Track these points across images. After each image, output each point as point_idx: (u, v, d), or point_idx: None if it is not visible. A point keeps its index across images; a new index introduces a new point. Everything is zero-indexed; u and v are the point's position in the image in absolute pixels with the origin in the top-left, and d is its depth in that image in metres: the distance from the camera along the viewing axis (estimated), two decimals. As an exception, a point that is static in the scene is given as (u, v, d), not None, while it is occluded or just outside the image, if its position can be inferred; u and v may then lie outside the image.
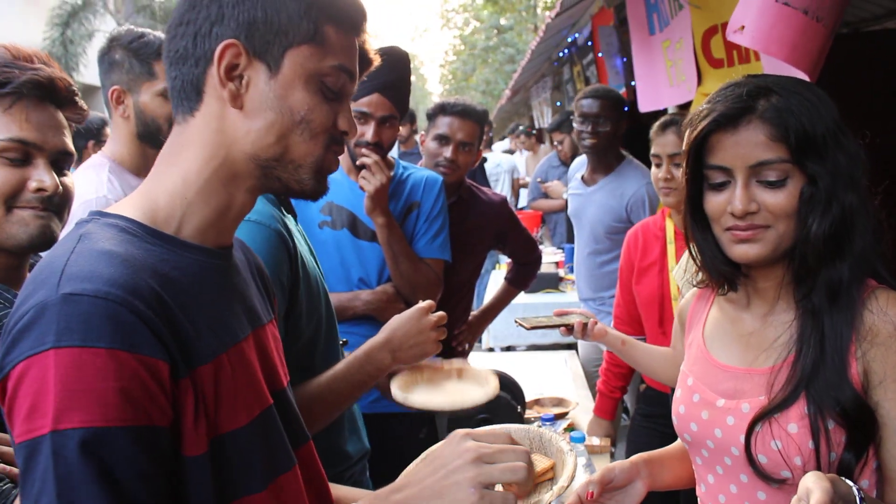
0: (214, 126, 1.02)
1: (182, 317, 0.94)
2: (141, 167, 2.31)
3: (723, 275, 1.42)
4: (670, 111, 3.78)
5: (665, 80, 3.60)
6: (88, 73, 17.14)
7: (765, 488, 1.34)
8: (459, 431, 1.10)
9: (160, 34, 2.27)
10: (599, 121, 3.55)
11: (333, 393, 1.52)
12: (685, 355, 1.57)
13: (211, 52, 1.00)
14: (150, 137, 2.28)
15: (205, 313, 0.99)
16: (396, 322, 1.58)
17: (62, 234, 1.34)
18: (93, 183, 2.20)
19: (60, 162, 1.38)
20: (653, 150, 2.71)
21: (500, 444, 1.04)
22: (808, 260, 1.31)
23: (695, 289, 1.60)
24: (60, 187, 1.36)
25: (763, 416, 1.31)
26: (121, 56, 2.25)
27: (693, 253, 1.47)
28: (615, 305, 3.03)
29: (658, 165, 2.68)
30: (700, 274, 1.50)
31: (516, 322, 2.35)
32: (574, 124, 3.73)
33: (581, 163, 4.01)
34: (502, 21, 29.79)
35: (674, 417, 1.51)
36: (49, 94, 1.34)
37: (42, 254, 1.47)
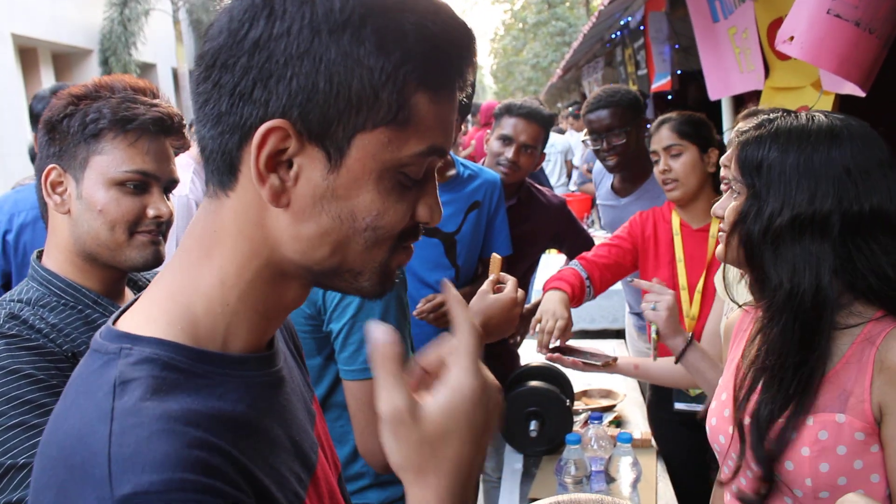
0: (253, 218, 0.75)
1: (260, 472, 0.74)
2: None
3: None
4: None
5: (735, 67, 3.48)
6: (146, 50, 17.53)
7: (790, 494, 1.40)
8: None
9: None
10: (613, 133, 3.11)
11: None
12: (724, 370, 1.65)
13: (249, 126, 0.71)
14: None
15: (281, 449, 0.81)
16: (490, 310, 1.70)
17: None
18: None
19: (169, 188, 1.48)
20: (651, 147, 2.69)
21: None
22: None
23: (740, 308, 1.66)
24: (172, 213, 1.46)
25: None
26: None
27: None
28: (591, 255, 2.77)
29: (656, 162, 2.67)
30: (740, 293, 1.58)
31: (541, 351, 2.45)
32: (587, 142, 3.31)
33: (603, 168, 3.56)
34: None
35: (707, 428, 1.60)
36: (165, 128, 1.42)
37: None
